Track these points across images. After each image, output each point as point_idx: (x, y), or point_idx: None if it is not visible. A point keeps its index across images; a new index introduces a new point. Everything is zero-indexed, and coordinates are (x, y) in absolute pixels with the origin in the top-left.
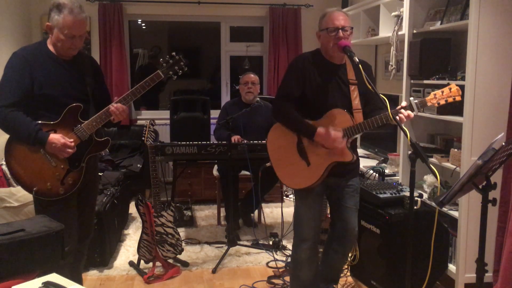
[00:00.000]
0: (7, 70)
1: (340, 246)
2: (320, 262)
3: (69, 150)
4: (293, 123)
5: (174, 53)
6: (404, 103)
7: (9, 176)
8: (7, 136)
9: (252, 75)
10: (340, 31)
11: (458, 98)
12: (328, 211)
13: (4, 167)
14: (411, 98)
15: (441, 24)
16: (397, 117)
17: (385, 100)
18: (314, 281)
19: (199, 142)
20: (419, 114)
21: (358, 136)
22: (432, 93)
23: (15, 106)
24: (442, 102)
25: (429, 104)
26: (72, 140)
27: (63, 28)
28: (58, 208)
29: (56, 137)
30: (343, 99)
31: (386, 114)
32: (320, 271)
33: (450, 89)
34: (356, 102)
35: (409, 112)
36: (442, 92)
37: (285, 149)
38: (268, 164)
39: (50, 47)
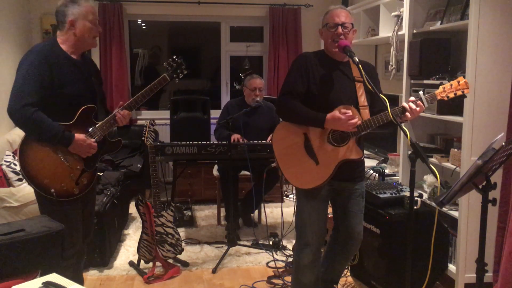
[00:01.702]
0: (26, 68)
1: (343, 250)
2: (321, 263)
3: (93, 150)
4: (300, 115)
5: (175, 57)
6: (412, 98)
7: (9, 176)
8: (7, 137)
9: (258, 80)
10: (340, 27)
11: (466, 91)
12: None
13: (5, 168)
14: (421, 92)
15: (441, 24)
16: (407, 114)
17: (385, 100)
18: (316, 284)
19: (199, 142)
20: (419, 114)
21: (364, 133)
22: (441, 86)
23: (37, 105)
24: (451, 95)
25: (438, 97)
26: (94, 140)
27: (88, 15)
28: (67, 208)
29: (81, 138)
30: (349, 95)
31: (394, 109)
32: (322, 273)
33: (458, 82)
34: (362, 99)
35: (420, 102)
36: (451, 85)
37: (292, 149)
38: (273, 164)
39: (62, 46)
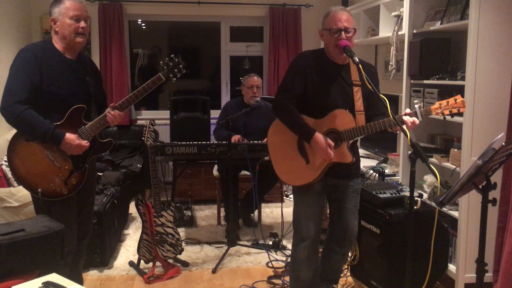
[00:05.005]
0: (17, 66)
1: (339, 246)
2: (319, 262)
3: (81, 150)
4: (292, 123)
5: (173, 56)
6: (408, 110)
7: (9, 176)
8: (7, 136)
9: (256, 78)
10: (343, 32)
11: (462, 110)
12: (328, 211)
13: (5, 167)
14: (417, 106)
15: (441, 24)
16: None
17: (385, 100)
18: (314, 281)
19: (199, 142)
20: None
21: (357, 139)
22: (438, 102)
23: (28, 102)
24: (446, 112)
25: (434, 113)
26: (86, 141)
27: (68, 12)
28: (59, 208)
29: (71, 137)
30: (345, 100)
31: (389, 119)
32: (319, 271)
33: (455, 100)
34: (359, 103)
35: (414, 118)
36: (448, 102)
37: (285, 145)
38: (266, 158)
39: (56, 45)
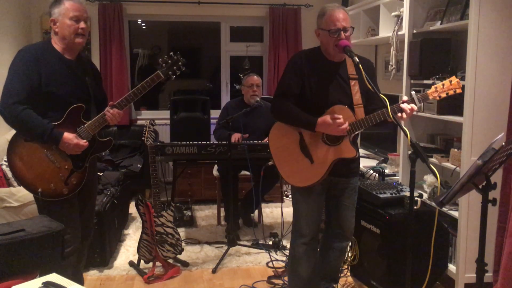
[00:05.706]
0: (16, 66)
1: (336, 243)
2: (318, 260)
3: (79, 150)
4: (293, 118)
5: (172, 53)
6: (405, 97)
7: (9, 176)
8: (7, 136)
9: (255, 77)
10: (342, 32)
11: (458, 90)
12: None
13: (5, 167)
14: (413, 92)
15: (441, 24)
16: (399, 114)
17: (385, 100)
18: (312, 278)
19: (199, 142)
20: (419, 114)
21: (359, 132)
22: (433, 86)
23: (27, 102)
24: (443, 95)
25: (430, 97)
26: (85, 141)
27: (68, 13)
28: (61, 208)
29: (69, 137)
30: (344, 96)
31: (392, 107)
32: (319, 269)
33: (450, 81)
34: (357, 97)
35: (413, 105)
36: (443, 85)
37: (287, 147)
38: (270, 162)
39: (56, 46)
